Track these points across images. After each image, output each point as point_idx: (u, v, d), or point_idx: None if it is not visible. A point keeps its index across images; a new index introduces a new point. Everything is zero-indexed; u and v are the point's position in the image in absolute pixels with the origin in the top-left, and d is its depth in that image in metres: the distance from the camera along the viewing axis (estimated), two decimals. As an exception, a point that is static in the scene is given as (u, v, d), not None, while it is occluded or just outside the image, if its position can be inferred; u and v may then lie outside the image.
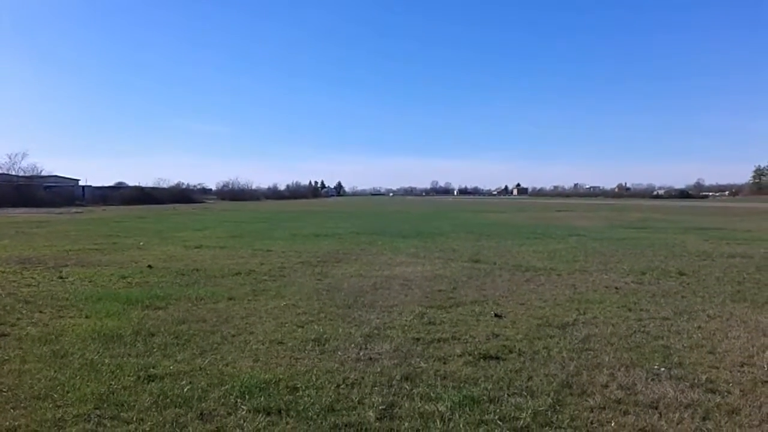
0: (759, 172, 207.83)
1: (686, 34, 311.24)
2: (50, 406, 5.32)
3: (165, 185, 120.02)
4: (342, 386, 5.87)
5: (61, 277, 13.08)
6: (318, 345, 7.41)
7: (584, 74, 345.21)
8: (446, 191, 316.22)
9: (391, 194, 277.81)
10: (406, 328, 8.32)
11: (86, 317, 9.05)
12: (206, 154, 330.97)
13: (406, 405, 5.38)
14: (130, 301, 10.21)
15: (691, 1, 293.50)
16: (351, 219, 43.58)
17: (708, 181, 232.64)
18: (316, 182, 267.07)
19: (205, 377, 6.12)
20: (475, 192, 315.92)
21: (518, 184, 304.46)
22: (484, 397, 5.55)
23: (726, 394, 5.70)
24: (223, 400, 5.48)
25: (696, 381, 6.05)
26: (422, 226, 34.40)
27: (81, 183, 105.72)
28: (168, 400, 5.47)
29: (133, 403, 5.41)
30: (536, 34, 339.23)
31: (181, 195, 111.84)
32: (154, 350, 7.18)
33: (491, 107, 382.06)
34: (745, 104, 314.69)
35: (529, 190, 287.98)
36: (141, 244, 21.51)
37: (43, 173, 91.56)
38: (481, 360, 6.80)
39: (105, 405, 5.35)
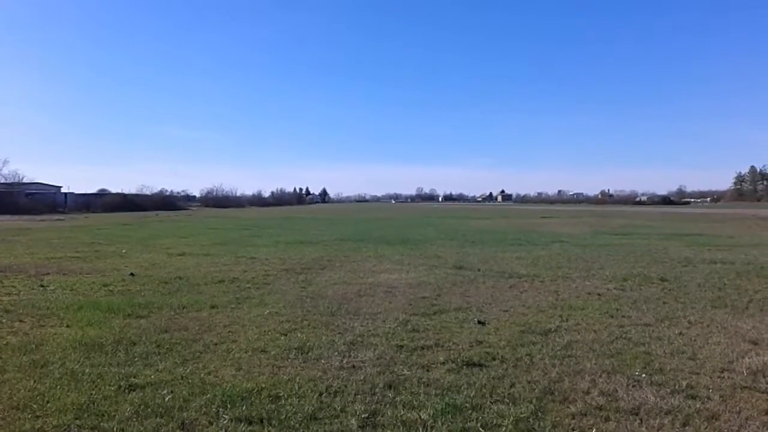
0: (740, 179, 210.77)
1: (667, 41, 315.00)
2: (29, 416, 5.25)
3: (148, 192, 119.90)
4: (325, 395, 5.86)
5: (42, 286, 12.95)
6: (301, 353, 7.39)
7: (568, 81, 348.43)
8: (431, 198, 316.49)
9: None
10: (389, 335, 8.32)
11: (67, 326, 8.96)
12: (190, 161, 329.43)
13: (389, 413, 5.38)
14: (112, 310, 10.13)
15: (671, 8, 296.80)
16: (336, 226, 43.58)
17: (690, 188, 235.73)
18: (300, 189, 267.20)
19: (186, 386, 6.08)
20: (460, 198, 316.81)
21: (503, 191, 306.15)
22: (467, 405, 5.56)
23: (706, 400, 5.75)
24: (204, 409, 5.45)
25: (676, 387, 6.09)
26: (407, 232, 34.46)
27: (63, 190, 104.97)
28: (149, 409, 5.42)
29: (113, 413, 5.36)
30: (520, 40, 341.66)
31: (165, 202, 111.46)
32: (136, 359, 7.12)
33: (476, 114, 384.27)
34: (726, 111, 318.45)
35: (514, 196, 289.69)
36: (123, 251, 21.37)
37: (25, 180, 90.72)
38: (464, 367, 6.81)
39: (85, 415, 5.30)
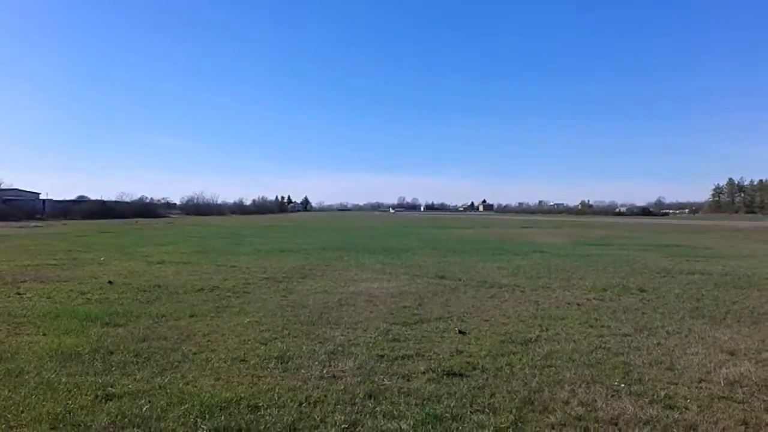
0: (718, 191, 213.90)
1: (647, 59, 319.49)
2: (4, 426, 5.17)
3: (128, 199, 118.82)
4: (304, 405, 5.82)
5: (18, 293, 12.77)
6: (281, 363, 7.35)
7: (548, 94, 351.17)
8: (413, 207, 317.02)
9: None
10: (370, 345, 8.30)
11: (43, 334, 8.84)
12: (171, 169, 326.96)
13: (369, 423, 5.36)
14: (89, 318, 10.01)
15: (650, 28, 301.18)
16: (317, 234, 43.49)
17: (668, 199, 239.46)
18: (282, 197, 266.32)
19: (164, 396, 6.02)
20: (442, 208, 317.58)
21: (484, 201, 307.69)
22: (447, 415, 5.56)
23: (684, 410, 5.79)
24: (182, 419, 5.39)
25: (655, 397, 6.14)
26: (389, 241, 34.45)
27: (42, 196, 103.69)
28: (126, 419, 5.36)
29: (90, 423, 5.29)
30: (501, 54, 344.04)
31: (145, 209, 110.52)
32: (113, 368, 7.04)
33: (458, 124, 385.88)
34: (704, 125, 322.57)
35: (495, 206, 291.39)
36: (102, 259, 21.13)
37: (2, 186, 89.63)
38: (445, 377, 6.81)
39: (61, 425, 5.23)
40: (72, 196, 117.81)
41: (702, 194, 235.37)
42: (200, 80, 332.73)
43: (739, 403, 6.01)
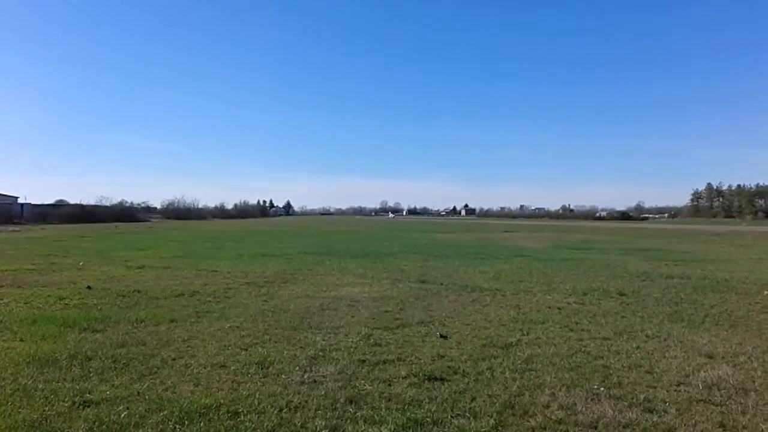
0: (697, 196, 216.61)
1: (625, 64, 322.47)
2: (-23, 435, 5.08)
3: (107, 203, 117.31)
4: (285, 410, 5.79)
5: (-6, 299, 12.57)
6: (261, 368, 7.30)
7: (530, 99, 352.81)
8: (396, 211, 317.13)
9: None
10: (351, 349, 8.29)
11: (20, 340, 8.71)
12: (151, 172, 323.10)
13: (350, 428, 5.34)
14: (67, 324, 9.88)
15: (629, 31, 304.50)
16: (299, 239, 43.38)
17: (648, 204, 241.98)
18: (264, 201, 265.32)
19: (143, 402, 5.95)
20: (424, 212, 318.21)
21: (466, 205, 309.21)
22: (428, 419, 5.56)
23: (663, 413, 5.84)
24: (161, 426, 5.34)
25: (634, 400, 6.19)
26: (371, 246, 34.45)
27: (20, 200, 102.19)
28: (104, 426, 5.30)
29: (66, 429, 5.23)
30: (481, 57, 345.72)
31: (124, 213, 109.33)
32: (91, 375, 6.96)
33: (440, 129, 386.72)
34: (684, 130, 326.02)
35: (477, 210, 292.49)
36: (81, 264, 20.89)
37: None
38: (426, 381, 6.81)
39: (36, 433, 5.15)
40: (51, 200, 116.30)
41: (681, 199, 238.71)
42: (179, 82, 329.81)
43: (717, 405, 6.07)
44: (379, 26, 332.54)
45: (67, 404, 5.87)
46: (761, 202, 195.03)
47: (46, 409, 5.73)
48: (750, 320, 10.86)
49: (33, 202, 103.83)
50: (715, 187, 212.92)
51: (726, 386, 6.72)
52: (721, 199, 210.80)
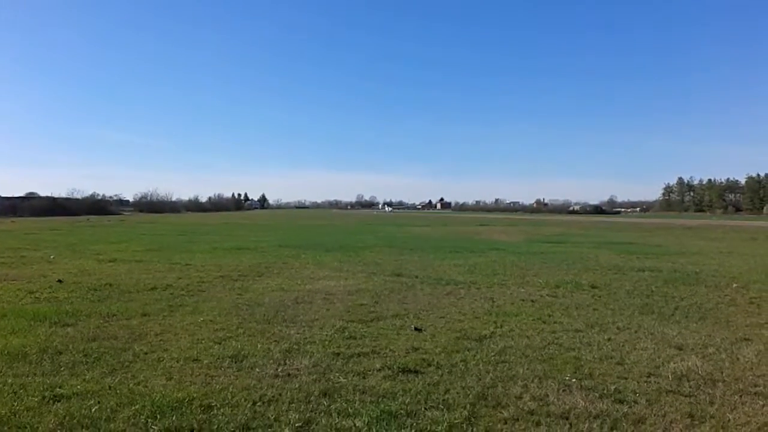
0: (668, 190, 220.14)
1: (597, 58, 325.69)
2: (-58, 431, 4.99)
3: (79, 196, 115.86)
4: (258, 404, 5.77)
5: (-40, 293, 12.33)
6: (235, 362, 7.26)
7: (503, 91, 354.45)
8: (372, 205, 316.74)
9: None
10: (326, 342, 8.28)
11: (-12, 335, 8.56)
12: (123, 165, 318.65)
13: (324, 421, 5.34)
14: (38, 318, 9.74)
15: (604, 26, 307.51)
16: (274, 232, 43.19)
17: (621, 198, 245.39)
18: (239, 195, 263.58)
19: (114, 397, 5.89)
20: (401, 206, 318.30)
21: (442, 199, 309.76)
22: (402, 411, 5.58)
23: (633, 404, 5.93)
24: (132, 420, 5.28)
25: (605, 392, 6.27)
26: (346, 239, 34.41)
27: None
28: (74, 421, 5.24)
29: (36, 425, 5.15)
30: (458, 51, 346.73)
31: (97, 206, 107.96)
32: (62, 369, 6.87)
33: (416, 123, 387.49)
34: (656, 125, 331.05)
35: (453, 204, 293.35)
36: (51, 257, 20.58)
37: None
38: (400, 374, 6.83)
39: (5, 428, 5.08)
40: (20, 193, 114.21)
41: (653, 193, 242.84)
42: (153, 75, 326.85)
43: (686, 396, 6.18)
44: (348, 17, 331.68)
45: (36, 399, 5.79)
46: (731, 196, 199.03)
47: (15, 404, 5.65)
48: (719, 312, 11.06)
49: (3, 195, 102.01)
50: (686, 182, 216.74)
51: (695, 377, 6.84)
52: (692, 194, 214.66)
